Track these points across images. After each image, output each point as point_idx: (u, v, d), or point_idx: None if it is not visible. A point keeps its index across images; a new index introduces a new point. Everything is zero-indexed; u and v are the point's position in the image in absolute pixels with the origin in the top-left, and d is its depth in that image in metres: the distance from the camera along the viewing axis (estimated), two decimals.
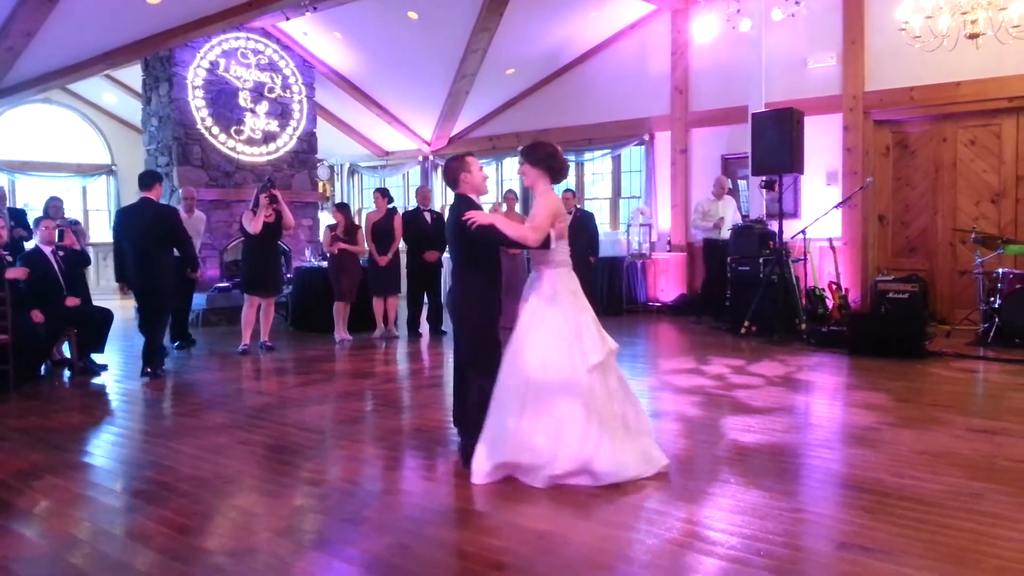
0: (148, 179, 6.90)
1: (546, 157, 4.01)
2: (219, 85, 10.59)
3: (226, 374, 6.95)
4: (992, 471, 3.80)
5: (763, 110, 9.06)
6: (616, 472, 3.67)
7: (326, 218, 12.06)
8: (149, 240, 6.66)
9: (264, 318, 8.11)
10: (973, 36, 6.67)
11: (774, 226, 8.57)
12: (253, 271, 7.93)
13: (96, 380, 6.72)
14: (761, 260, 8.53)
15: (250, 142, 10.92)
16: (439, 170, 13.48)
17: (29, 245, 7.42)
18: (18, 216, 8.82)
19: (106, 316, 7.20)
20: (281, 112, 11.23)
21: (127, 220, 6.91)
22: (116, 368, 7.22)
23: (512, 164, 12.64)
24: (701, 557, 2.89)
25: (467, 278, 4.07)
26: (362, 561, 2.94)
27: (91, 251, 10.35)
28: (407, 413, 5.38)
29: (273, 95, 11.10)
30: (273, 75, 11.09)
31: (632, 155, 11.57)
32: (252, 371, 7.05)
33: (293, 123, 11.38)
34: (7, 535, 3.23)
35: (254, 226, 7.76)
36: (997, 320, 7.39)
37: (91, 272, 13.34)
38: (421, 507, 3.48)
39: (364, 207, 14.42)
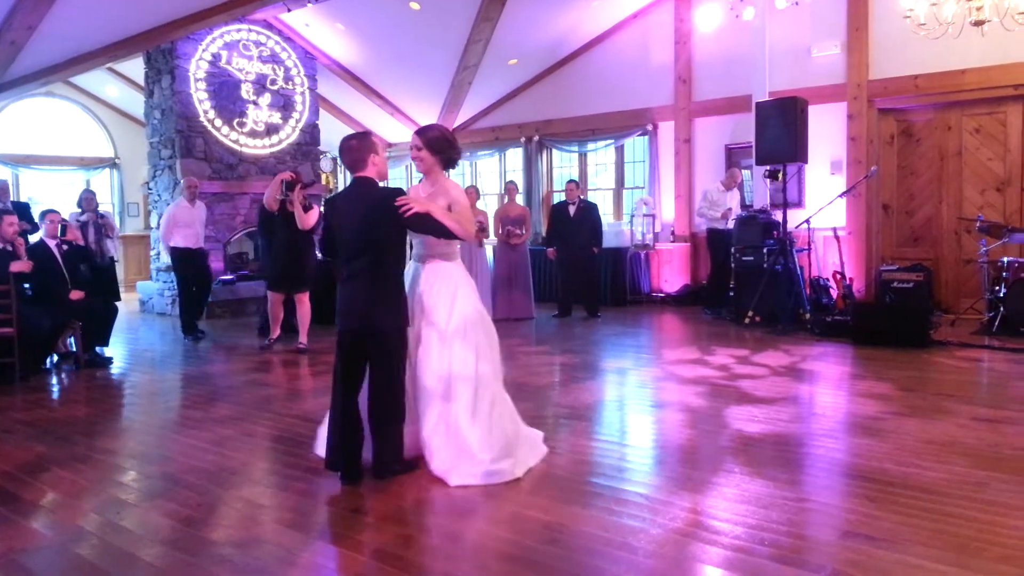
0: None
1: (447, 147, 3.86)
2: (221, 77, 10.57)
3: (231, 366, 6.97)
4: (997, 460, 3.80)
5: (767, 99, 9.02)
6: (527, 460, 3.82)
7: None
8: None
9: (299, 318, 7.61)
10: (978, 23, 6.62)
11: (778, 216, 8.55)
12: (273, 266, 7.58)
13: (101, 373, 6.75)
14: (765, 250, 8.51)
15: (253, 134, 10.91)
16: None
17: (33, 238, 7.43)
18: (21, 210, 8.84)
19: (111, 309, 7.23)
20: (283, 104, 11.22)
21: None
22: (121, 361, 7.24)
23: (515, 155, 12.63)
24: (705, 546, 2.90)
25: (389, 277, 3.68)
26: (368, 551, 2.96)
27: (118, 244, 10.41)
28: None
29: (275, 87, 11.08)
30: (275, 67, 11.06)
31: (635, 145, 11.53)
32: (257, 363, 7.06)
33: (295, 115, 11.36)
34: (14, 527, 3.25)
35: (305, 221, 7.15)
36: (1002, 309, 7.37)
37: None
38: (426, 497, 3.49)
39: None
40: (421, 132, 3.88)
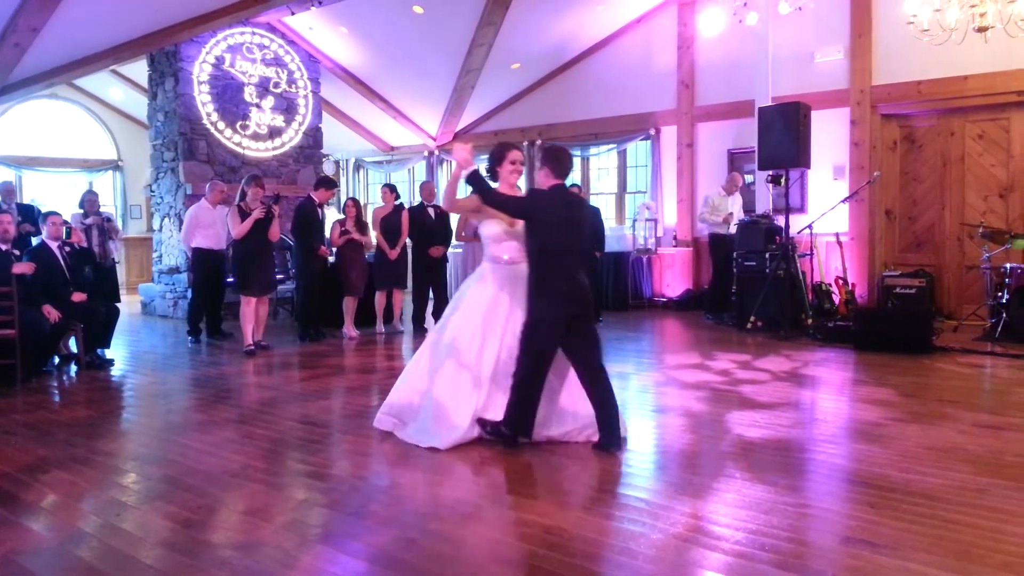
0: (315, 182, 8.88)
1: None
2: (224, 80, 10.59)
3: (232, 369, 6.97)
4: (998, 467, 3.78)
5: (770, 104, 9.02)
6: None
7: (332, 214, 12.03)
8: None
9: (258, 318, 7.80)
10: (982, 29, 6.61)
11: (781, 221, 8.54)
12: (244, 270, 7.65)
13: (102, 375, 6.75)
14: (767, 255, 8.50)
15: (256, 137, 10.92)
16: (444, 165, 13.49)
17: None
18: (26, 212, 8.85)
19: (112, 311, 7.23)
20: (286, 107, 11.23)
21: None
22: (122, 363, 7.25)
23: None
24: (706, 552, 2.89)
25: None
26: (367, 555, 2.95)
27: (120, 246, 10.39)
28: None
29: (278, 90, 11.10)
30: (278, 70, 11.08)
31: (638, 150, 11.53)
32: (258, 366, 7.07)
33: (298, 118, 11.37)
34: (14, 528, 3.25)
35: (239, 230, 7.46)
36: (1004, 315, 7.35)
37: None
38: (426, 501, 3.49)
39: (369, 202, 14.43)
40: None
